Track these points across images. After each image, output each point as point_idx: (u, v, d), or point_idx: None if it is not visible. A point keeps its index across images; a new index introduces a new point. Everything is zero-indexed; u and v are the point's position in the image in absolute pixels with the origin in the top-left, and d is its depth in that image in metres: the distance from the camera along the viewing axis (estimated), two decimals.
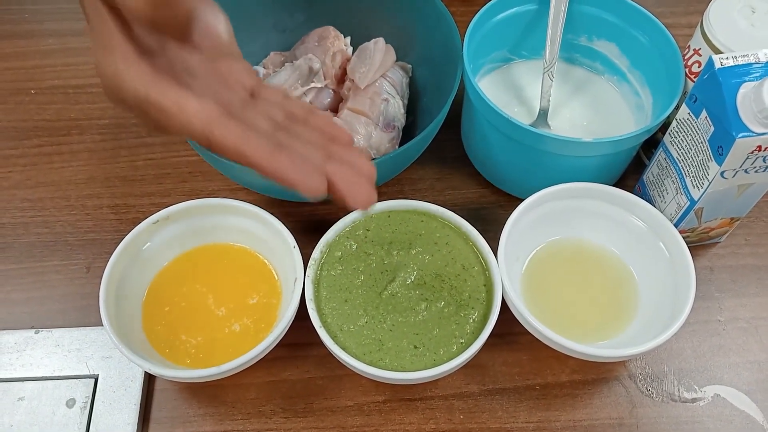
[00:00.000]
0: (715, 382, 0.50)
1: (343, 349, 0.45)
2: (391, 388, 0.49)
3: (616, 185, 0.55)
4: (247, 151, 0.31)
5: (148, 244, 0.50)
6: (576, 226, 0.53)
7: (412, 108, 0.61)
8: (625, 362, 0.51)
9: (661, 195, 0.53)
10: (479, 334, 0.45)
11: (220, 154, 0.32)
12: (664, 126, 0.54)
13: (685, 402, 0.49)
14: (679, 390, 0.50)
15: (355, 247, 0.50)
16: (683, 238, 0.53)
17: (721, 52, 0.49)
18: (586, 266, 0.53)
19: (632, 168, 0.59)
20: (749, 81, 0.43)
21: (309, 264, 0.48)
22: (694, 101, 0.46)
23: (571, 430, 0.48)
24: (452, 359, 0.44)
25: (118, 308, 0.47)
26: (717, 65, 0.44)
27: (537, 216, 0.52)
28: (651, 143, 0.58)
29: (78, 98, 0.65)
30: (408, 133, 0.59)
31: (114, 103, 0.32)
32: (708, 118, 0.45)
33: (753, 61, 0.44)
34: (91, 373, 0.49)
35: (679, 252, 0.49)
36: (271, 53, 0.62)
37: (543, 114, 0.58)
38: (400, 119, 0.58)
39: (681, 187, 0.50)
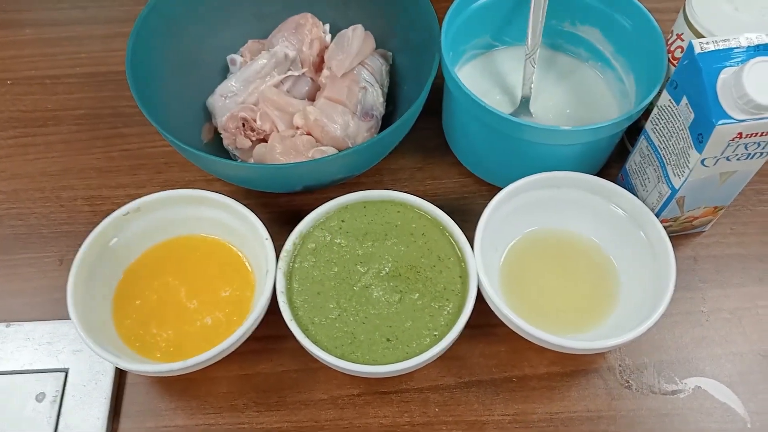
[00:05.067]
0: (697, 374, 0.49)
1: (314, 342, 0.44)
2: (365, 381, 0.49)
3: (600, 174, 0.54)
4: None
5: (119, 236, 0.50)
6: (556, 215, 0.52)
7: (392, 97, 0.60)
8: (605, 354, 0.50)
9: (643, 184, 0.52)
10: (453, 326, 0.45)
11: None
12: (649, 113, 0.52)
13: (666, 394, 0.48)
14: (659, 382, 0.49)
15: (329, 238, 0.49)
16: (666, 227, 0.52)
17: (704, 37, 0.48)
18: (567, 256, 0.52)
19: (617, 156, 0.58)
20: (730, 66, 0.42)
21: (281, 256, 0.47)
22: (675, 87, 0.45)
23: (548, 423, 0.47)
24: (424, 352, 0.43)
25: (87, 302, 0.47)
26: (697, 50, 0.42)
27: (516, 206, 0.51)
28: (635, 131, 0.56)
29: (55, 89, 0.65)
30: (388, 122, 0.58)
31: None
32: (688, 105, 0.44)
33: (734, 46, 0.42)
34: (62, 366, 0.49)
35: (659, 241, 0.48)
36: (249, 41, 0.61)
37: (525, 102, 0.57)
38: (379, 108, 0.56)
39: (662, 175, 0.49)
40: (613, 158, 0.58)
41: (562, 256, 0.52)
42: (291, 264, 0.48)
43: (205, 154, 0.47)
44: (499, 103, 0.58)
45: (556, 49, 0.61)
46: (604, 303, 0.50)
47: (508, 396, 0.48)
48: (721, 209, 0.52)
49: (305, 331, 0.45)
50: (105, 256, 0.49)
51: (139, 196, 0.50)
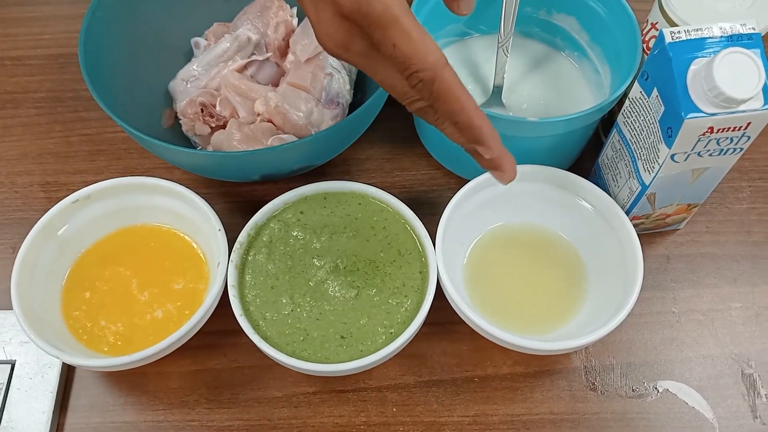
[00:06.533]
0: (666, 377, 0.48)
1: (265, 338, 0.43)
2: (321, 379, 0.47)
3: (574, 168, 0.52)
4: (463, 99, 0.33)
5: (68, 224, 0.48)
6: (523, 210, 0.50)
7: (362, 85, 0.58)
8: (570, 354, 0.48)
9: (615, 179, 0.50)
10: (410, 324, 0.43)
11: (434, 96, 0.32)
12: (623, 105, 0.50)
13: (631, 398, 0.47)
14: (625, 385, 0.47)
15: (285, 230, 0.47)
16: (638, 224, 0.50)
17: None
18: (534, 253, 0.50)
19: (592, 150, 0.56)
20: (702, 57, 0.40)
21: (234, 247, 0.46)
22: (646, 79, 0.43)
23: (509, 425, 0.46)
24: (378, 351, 0.42)
25: (33, 292, 0.45)
26: (668, 39, 0.40)
27: (481, 200, 0.49)
28: (611, 124, 0.54)
29: (15, 70, 0.63)
30: None
31: (348, 12, 0.31)
32: (659, 97, 0.42)
33: (707, 36, 0.40)
34: (8, 358, 0.47)
35: (627, 238, 0.46)
36: (215, 24, 0.59)
37: (497, 92, 0.55)
38: (345, 95, 0.54)
39: (633, 170, 0.47)
40: (588, 152, 0.56)
41: (529, 253, 0.50)
42: (244, 256, 0.46)
43: (154, 140, 0.45)
44: (470, 93, 0.56)
45: (530, 37, 0.59)
46: (572, 301, 0.48)
47: (468, 396, 0.47)
48: (695, 207, 0.50)
49: (256, 327, 0.43)
50: (53, 245, 0.47)
51: (97, 183, 0.49)
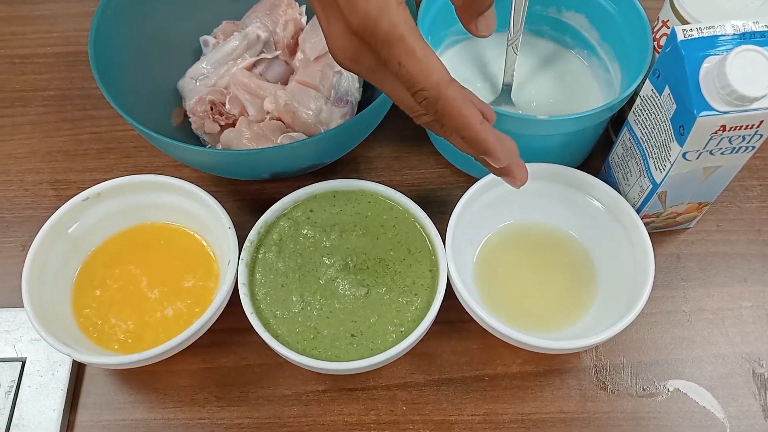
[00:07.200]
0: (676, 377, 0.47)
1: (275, 336, 0.43)
2: (331, 377, 0.47)
3: (584, 166, 0.52)
4: (467, 115, 0.33)
5: (79, 223, 0.48)
6: (533, 209, 0.50)
7: (371, 83, 0.58)
8: (580, 353, 0.48)
9: (625, 177, 0.50)
10: (420, 322, 0.43)
11: (439, 113, 0.33)
12: (633, 104, 0.50)
13: (642, 397, 0.47)
14: (636, 384, 0.47)
15: (295, 228, 0.47)
16: (649, 223, 0.50)
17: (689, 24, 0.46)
18: (544, 252, 0.50)
19: (602, 148, 0.56)
20: (714, 55, 0.40)
21: (244, 246, 0.46)
22: (658, 77, 0.43)
23: (519, 424, 0.46)
24: (389, 349, 0.42)
25: (44, 290, 0.45)
26: (680, 37, 0.40)
27: (491, 199, 0.49)
28: (621, 122, 0.54)
29: (24, 69, 0.63)
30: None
31: (356, 29, 0.32)
32: (671, 95, 0.42)
33: (720, 33, 0.40)
34: (19, 356, 0.47)
35: (638, 236, 0.46)
36: (224, 22, 0.59)
37: (506, 90, 0.55)
38: (355, 93, 0.54)
39: (644, 169, 0.47)
40: (599, 150, 0.56)
41: (539, 251, 0.50)
42: (254, 255, 0.46)
43: (164, 138, 0.45)
44: (479, 91, 0.56)
45: (540, 35, 0.59)
46: (582, 300, 0.48)
47: (478, 395, 0.47)
48: (705, 205, 0.50)
49: (266, 325, 0.43)
50: (64, 243, 0.47)
51: (106, 181, 0.49)
